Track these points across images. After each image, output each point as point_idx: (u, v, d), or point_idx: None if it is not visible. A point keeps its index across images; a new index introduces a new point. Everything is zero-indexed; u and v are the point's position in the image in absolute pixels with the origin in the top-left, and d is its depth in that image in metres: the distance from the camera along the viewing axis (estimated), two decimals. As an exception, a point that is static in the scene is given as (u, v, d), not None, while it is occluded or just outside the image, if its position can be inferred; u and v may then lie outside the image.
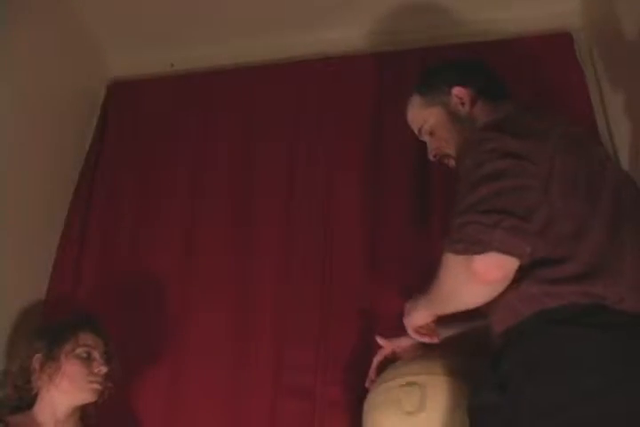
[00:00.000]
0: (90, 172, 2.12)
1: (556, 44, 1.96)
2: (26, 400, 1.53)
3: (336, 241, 1.84)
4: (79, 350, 1.54)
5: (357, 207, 1.87)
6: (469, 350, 1.34)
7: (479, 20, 2.06)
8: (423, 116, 1.45)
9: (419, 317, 1.31)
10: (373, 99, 2.01)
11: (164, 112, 2.18)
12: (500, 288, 1.06)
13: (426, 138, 1.48)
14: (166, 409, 1.74)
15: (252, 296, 1.84)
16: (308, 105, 2.07)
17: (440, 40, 2.04)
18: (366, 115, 2.00)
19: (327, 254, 1.82)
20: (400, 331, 1.40)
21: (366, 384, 1.40)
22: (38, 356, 1.53)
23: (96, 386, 1.52)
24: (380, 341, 1.46)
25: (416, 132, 1.50)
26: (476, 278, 1.03)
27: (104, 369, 1.53)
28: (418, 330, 1.35)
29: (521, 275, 1.05)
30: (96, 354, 1.55)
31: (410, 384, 1.26)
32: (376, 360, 1.43)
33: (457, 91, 1.39)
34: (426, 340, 1.35)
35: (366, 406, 1.37)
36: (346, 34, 2.13)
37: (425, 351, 1.36)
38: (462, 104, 1.39)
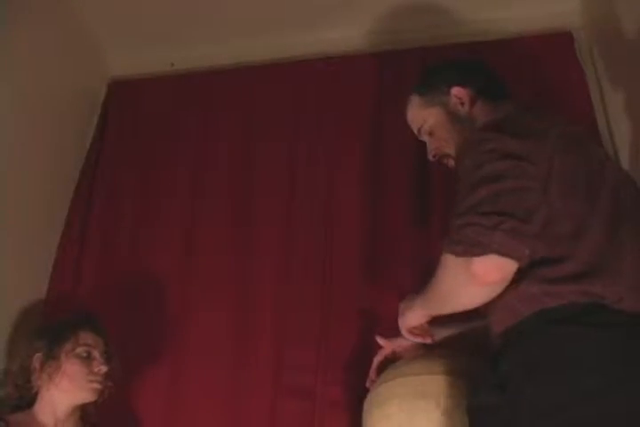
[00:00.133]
0: (90, 171, 2.12)
1: (557, 43, 1.96)
2: (26, 399, 1.54)
3: (336, 241, 1.84)
4: (79, 350, 1.54)
5: (357, 207, 1.87)
6: (469, 350, 1.34)
7: (479, 19, 2.06)
8: (422, 116, 1.45)
9: (414, 317, 1.30)
10: (373, 99, 2.01)
11: (165, 111, 2.18)
12: (498, 290, 1.06)
13: (425, 138, 1.48)
14: (166, 409, 1.75)
15: (253, 296, 1.84)
16: (308, 105, 2.07)
17: (440, 40, 2.04)
18: (366, 115, 2.00)
19: (327, 254, 1.83)
20: (400, 331, 1.40)
21: (367, 384, 1.40)
22: (38, 355, 1.54)
23: (96, 385, 1.52)
24: (380, 341, 1.46)
25: (415, 132, 1.50)
26: (474, 280, 1.03)
27: (104, 368, 1.53)
28: (412, 330, 1.34)
29: (520, 275, 1.05)
30: (96, 353, 1.55)
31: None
32: (376, 360, 1.43)
33: (456, 91, 1.39)
34: (419, 340, 1.35)
35: (366, 406, 1.36)
36: (346, 34, 2.14)
37: (425, 351, 1.36)
38: (462, 104, 1.38)
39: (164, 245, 1.96)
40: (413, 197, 1.83)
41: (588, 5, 2.00)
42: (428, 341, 1.35)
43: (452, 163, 1.40)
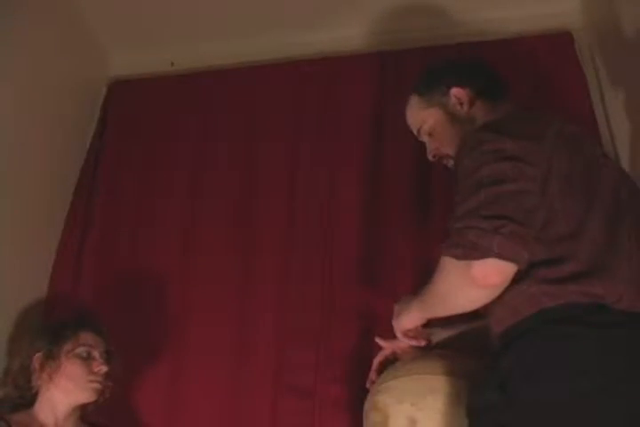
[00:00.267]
0: (90, 171, 2.12)
1: (557, 43, 1.96)
2: (26, 399, 1.54)
3: (336, 241, 1.84)
4: (79, 350, 1.54)
5: (357, 207, 1.87)
6: (469, 350, 1.34)
7: (479, 19, 2.06)
8: (422, 116, 1.45)
9: (409, 319, 1.30)
10: (374, 99, 2.01)
11: (165, 111, 2.18)
12: (497, 292, 1.06)
13: (425, 138, 1.48)
14: (166, 409, 1.75)
15: (253, 296, 1.84)
16: (308, 105, 2.07)
17: (441, 40, 2.04)
18: (367, 114, 2.00)
19: (327, 254, 1.82)
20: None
21: (367, 385, 1.40)
22: (39, 355, 1.54)
23: (96, 385, 1.52)
24: (379, 342, 1.46)
25: (415, 132, 1.50)
26: (474, 283, 1.03)
27: (104, 368, 1.54)
28: (406, 333, 1.34)
29: (520, 275, 1.05)
30: (96, 353, 1.55)
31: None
32: (376, 361, 1.43)
33: (455, 91, 1.39)
34: (413, 343, 1.35)
35: (367, 406, 1.36)
36: (346, 34, 2.14)
37: (425, 352, 1.36)
38: (461, 105, 1.38)
39: (164, 245, 1.95)
40: (413, 198, 1.83)
41: (588, 5, 2.00)
42: (422, 344, 1.35)
43: (451, 163, 1.40)
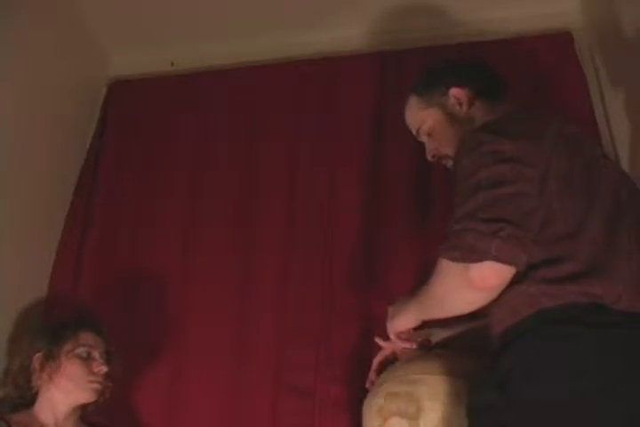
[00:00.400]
0: (90, 171, 2.12)
1: (557, 43, 1.96)
2: (26, 399, 1.54)
3: (336, 241, 1.84)
4: (79, 350, 1.54)
5: (357, 207, 1.87)
6: (468, 350, 1.34)
7: (480, 19, 2.06)
8: (421, 117, 1.45)
9: (404, 321, 1.30)
10: (374, 99, 2.01)
11: (165, 111, 2.18)
12: (494, 295, 1.06)
13: (424, 139, 1.48)
14: (166, 409, 1.75)
15: (253, 296, 1.84)
16: (308, 105, 2.07)
17: (441, 40, 2.04)
18: (367, 114, 2.00)
19: (327, 254, 1.83)
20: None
21: (366, 385, 1.40)
22: (39, 355, 1.54)
23: (96, 386, 1.52)
24: (379, 342, 1.46)
25: (414, 132, 1.50)
26: (471, 285, 1.03)
27: (104, 369, 1.54)
28: (399, 335, 1.34)
29: (519, 275, 1.05)
30: (96, 354, 1.55)
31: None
32: (376, 361, 1.43)
33: (454, 91, 1.39)
34: (406, 345, 1.35)
35: (366, 406, 1.36)
36: (346, 34, 2.14)
37: (424, 352, 1.36)
38: (460, 105, 1.38)
39: (164, 245, 1.96)
40: (413, 198, 1.83)
41: (588, 5, 2.00)
42: (414, 346, 1.35)
43: (450, 163, 1.40)
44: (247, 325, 1.80)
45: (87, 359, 1.54)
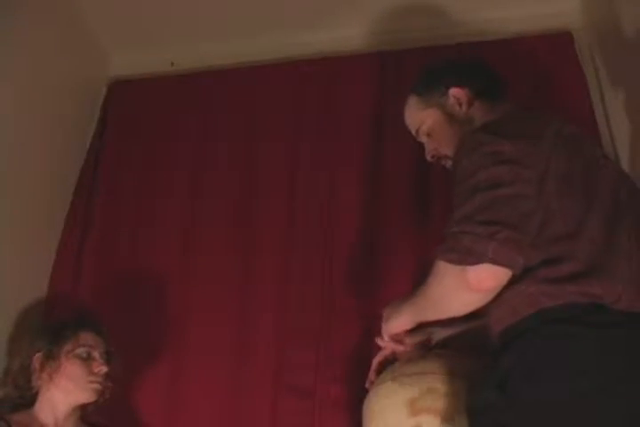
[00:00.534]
0: (90, 171, 2.12)
1: (557, 43, 1.96)
2: (26, 399, 1.54)
3: (336, 241, 1.84)
4: (79, 350, 1.54)
5: (357, 208, 1.87)
6: (468, 349, 1.34)
7: (479, 19, 2.06)
8: (420, 117, 1.45)
9: (399, 322, 1.30)
10: (374, 99, 2.01)
11: (165, 111, 2.18)
12: (490, 297, 1.07)
13: (423, 139, 1.48)
14: (166, 409, 1.75)
15: (253, 296, 1.84)
16: (308, 105, 2.07)
17: (441, 40, 2.05)
18: (367, 114, 2.00)
19: (327, 254, 1.83)
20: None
21: (366, 385, 1.40)
22: (39, 355, 1.54)
23: (96, 386, 1.52)
24: (379, 342, 1.46)
25: (413, 133, 1.50)
26: (468, 287, 1.04)
27: (104, 369, 1.54)
28: (394, 337, 1.34)
29: (519, 275, 1.05)
30: (96, 354, 1.55)
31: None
32: (376, 361, 1.43)
33: (454, 92, 1.39)
34: (400, 348, 1.35)
35: (366, 406, 1.36)
36: (346, 34, 2.14)
37: (424, 352, 1.36)
38: (459, 105, 1.38)
39: (164, 245, 1.96)
40: (413, 198, 1.83)
41: (588, 5, 2.00)
42: (407, 348, 1.35)
43: (450, 164, 1.40)
44: (247, 325, 1.80)
45: (87, 359, 1.54)
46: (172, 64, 2.28)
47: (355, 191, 1.89)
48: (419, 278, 1.50)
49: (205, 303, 1.85)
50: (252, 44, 2.20)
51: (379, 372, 1.39)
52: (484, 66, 1.50)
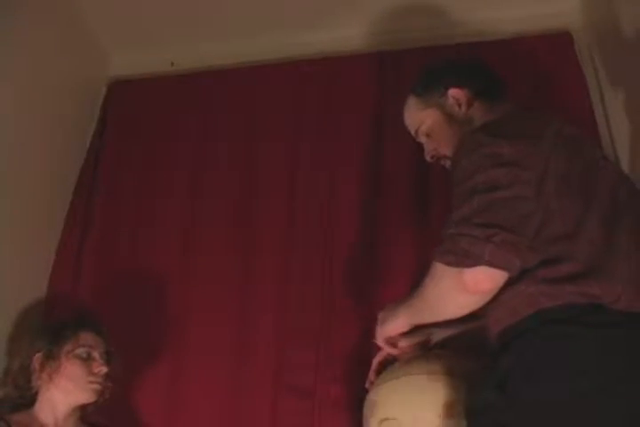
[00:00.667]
0: (90, 171, 2.12)
1: (556, 43, 1.96)
2: (26, 399, 1.54)
3: (336, 241, 1.84)
4: (79, 350, 1.54)
5: (357, 208, 1.87)
6: (468, 350, 1.34)
7: (479, 19, 2.06)
8: (420, 117, 1.45)
9: (395, 325, 1.30)
10: (373, 99, 2.01)
11: (165, 111, 2.18)
12: (486, 299, 1.07)
13: (423, 139, 1.48)
14: (166, 409, 1.75)
15: (253, 296, 1.84)
16: (307, 105, 2.07)
17: (440, 40, 2.05)
18: (367, 114, 2.00)
19: (327, 254, 1.83)
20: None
21: (366, 385, 1.40)
22: (39, 355, 1.54)
23: (96, 386, 1.52)
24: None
25: (413, 133, 1.50)
26: (464, 288, 1.04)
27: (104, 369, 1.54)
28: (388, 340, 1.35)
29: (518, 275, 1.05)
30: (96, 354, 1.55)
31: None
32: (375, 362, 1.43)
33: (453, 92, 1.39)
34: (394, 351, 1.35)
35: (366, 406, 1.36)
36: (346, 34, 2.14)
37: (424, 352, 1.36)
38: (459, 105, 1.38)
39: (164, 245, 1.96)
40: (413, 198, 1.83)
41: (588, 5, 2.00)
42: (398, 352, 1.35)
43: (449, 164, 1.40)
44: (247, 325, 1.80)
45: (87, 360, 1.54)
46: (172, 64, 2.28)
47: (354, 191, 1.89)
48: (419, 278, 1.50)
49: (205, 303, 1.85)
50: (252, 44, 2.20)
51: (379, 372, 1.39)
52: (483, 66, 1.50)
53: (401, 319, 1.28)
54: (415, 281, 1.61)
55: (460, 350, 1.35)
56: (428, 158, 1.48)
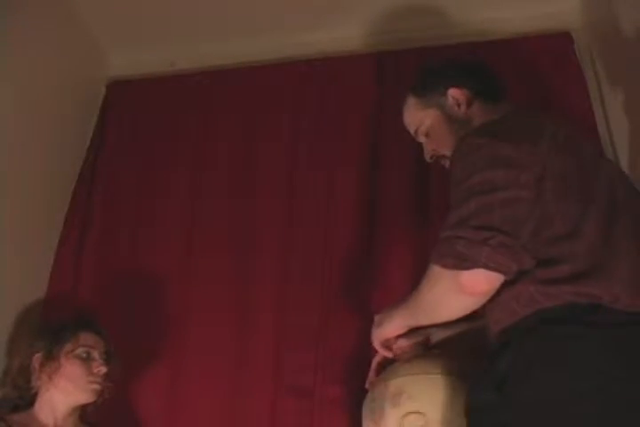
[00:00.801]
0: (89, 171, 2.12)
1: (556, 43, 1.96)
2: (26, 399, 1.54)
3: (336, 241, 1.84)
4: (79, 350, 1.54)
5: (357, 207, 1.87)
6: (467, 350, 1.34)
7: (479, 19, 2.06)
8: (419, 117, 1.45)
9: (392, 327, 1.30)
10: (373, 99, 2.01)
11: (164, 112, 2.18)
12: (482, 301, 1.08)
13: (422, 139, 1.48)
14: (166, 409, 1.75)
15: (252, 296, 1.84)
16: (307, 105, 2.07)
17: (440, 40, 2.05)
18: (366, 115, 2.00)
19: (327, 255, 1.83)
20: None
21: (366, 385, 1.40)
22: (38, 355, 1.54)
23: (95, 386, 1.52)
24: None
25: (412, 133, 1.50)
26: (461, 290, 1.05)
27: (103, 369, 1.54)
28: (384, 342, 1.34)
29: (517, 275, 1.06)
30: (96, 354, 1.55)
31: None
32: (375, 361, 1.43)
33: (453, 92, 1.39)
34: (388, 355, 1.35)
35: (365, 406, 1.36)
36: (345, 34, 2.14)
37: (423, 352, 1.36)
38: (458, 106, 1.38)
39: (164, 245, 1.96)
40: (412, 198, 1.83)
41: (588, 6, 2.00)
42: (392, 355, 1.35)
43: (448, 164, 1.40)
44: (247, 325, 1.80)
45: (87, 360, 1.54)
46: (172, 64, 2.28)
47: (353, 191, 1.89)
48: (418, 279, 1.50)
49: (205, 303, 1.85)
50: (252, 44, 2.20)
51: (378, 372, 1.39)
52: (482, 66, 1.50)
53: (397, 322, 1.28)
54: (415, 282, 1.62)
55: (460, 350, 1.35)
56: (427, 158, 1.48)
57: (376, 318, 1.36)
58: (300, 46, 2.15)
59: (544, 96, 1.86)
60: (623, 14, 1.70)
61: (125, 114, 2.20)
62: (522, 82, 1.85)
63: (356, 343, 1.68)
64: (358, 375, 1.52)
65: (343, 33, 2.14)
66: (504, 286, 1.06)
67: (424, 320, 1.23)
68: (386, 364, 1.39)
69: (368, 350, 1.57)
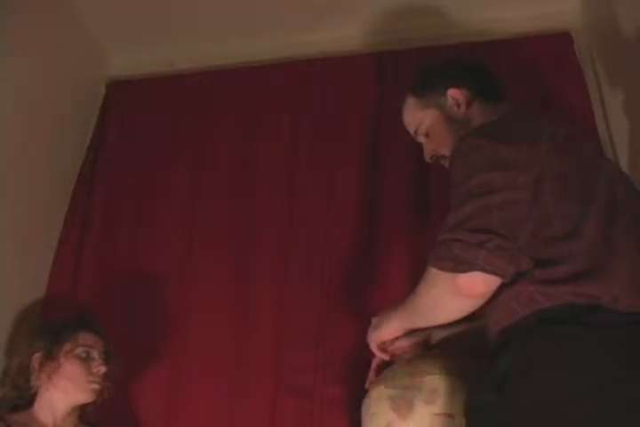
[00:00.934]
0: (89, 171, 2.13)
1: (556, 43, 1.96)
2: (25, 399, 1.54)
3: (335, 242, 1.84)
4: (78, 350, 1.54)
5: (357, 207, 1.87)
6: (467, 350, 1.34)
7: (479, 19, 2.06)
8: (419, 117, 1.45)
9: (389, 329, 1.31)
10: (373, 99, 2.02)
11: (164, 112, 2.18)
12: (480, 302, 1.08)
13: (422, 139, 1.48)
14: (166, 409, 1.75)
15: (252, 296, 1.84)
16: (307, 105, 2.07)
17: (440, 40, 2.05)
18: (366, 115, 2.00)
19: (327, 255, 1.83)
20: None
21: (366, 385, 1.40)
22: (38, 355, 1.54)
23: (95, 386, 1.52)
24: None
25: (412, 133, 1.50)
26: (458, 292, 1.05)
27: (103, 369, 1.54)
28: (381, 345, 1.35)
29: (517, 275, 1.06)
30: (95, 354, 1.55)
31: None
32: (375, 361, 1.43)
33: (452, 92, 1.39)
34: (385, 357, 1.36)
35: (365, 406, 1.36)
36: (345, 34, 2.14)
37: (423, 352, 1.36)
38: (458, 106, 1.38)
39: (164, 245, 1.96)
40: (412, 198, 1.83)
41: (588, 6, 2.00)
42: (388, 358, 1.35)
43: (448, 164, 1.40)
44: (247, 325, 1.80)
45: (86, 360, 1.54)
46: (172, 64, 2.28)
47: (353, 191, 1.89)
48: (417, 279, 1.50)
49: (205, 303, 1.85)
50: (252, 44, 2.20)
51: (378, 372, 1.39)
52: (482, 66, 1.50)
53: (395, 324, 1.29)
54: (414, 282, 1.62)
55: (460, 350, 1.35)
56: (427, 159, 1.48)
57: (373, 320, 1.36)
58: (300, 46, 2.15)
59: (544, 96, 1.86)
60: (623, 14, 1.70)
61: (125, 114, 2.20)
62: (522, 82, 1.85)
63: (355, 343, 1.68)
64: (358, 375, 1.52)
65: (343, 33, 2.14)
66: (504, 286, 1.06)
67: (421, 323, 1.24)
68: (385, 364, 1.39)
69: (368, 351, 1.56)
